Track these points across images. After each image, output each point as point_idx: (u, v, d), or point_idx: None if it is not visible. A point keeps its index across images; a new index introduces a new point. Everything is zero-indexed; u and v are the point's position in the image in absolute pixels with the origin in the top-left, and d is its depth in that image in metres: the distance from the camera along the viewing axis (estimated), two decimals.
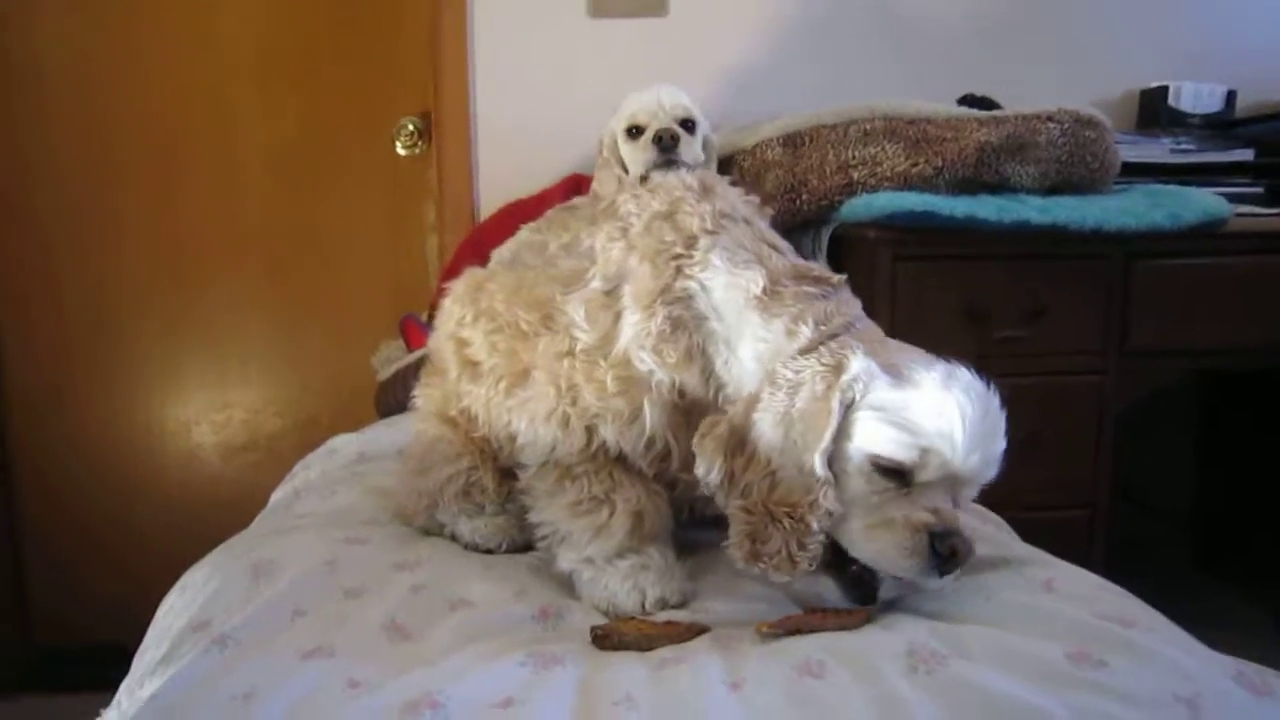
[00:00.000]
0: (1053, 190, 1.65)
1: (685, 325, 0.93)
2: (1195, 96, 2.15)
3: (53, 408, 2.26)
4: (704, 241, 0.95)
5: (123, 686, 0.88)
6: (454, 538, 1.11)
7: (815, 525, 0.81)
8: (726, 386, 0.94)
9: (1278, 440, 2.08)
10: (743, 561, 0.83)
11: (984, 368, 1.60)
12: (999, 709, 0.66)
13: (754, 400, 0.86)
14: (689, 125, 1.64)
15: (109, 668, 2.10)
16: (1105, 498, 1.67)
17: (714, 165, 1.73)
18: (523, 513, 1.04)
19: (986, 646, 0.73)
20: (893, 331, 1.56)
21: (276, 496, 1.37)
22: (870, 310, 1.55)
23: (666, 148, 1.58)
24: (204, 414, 2.29)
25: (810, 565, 0.81)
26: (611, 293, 0.97)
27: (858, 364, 0.82)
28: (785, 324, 0.89)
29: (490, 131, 2.16)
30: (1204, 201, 1.60)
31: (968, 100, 1.91)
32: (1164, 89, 2.15)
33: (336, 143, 2.24)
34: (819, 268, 0.97)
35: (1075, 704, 0.66)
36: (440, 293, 1.89)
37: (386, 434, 1.53)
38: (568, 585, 0.98)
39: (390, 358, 1.94)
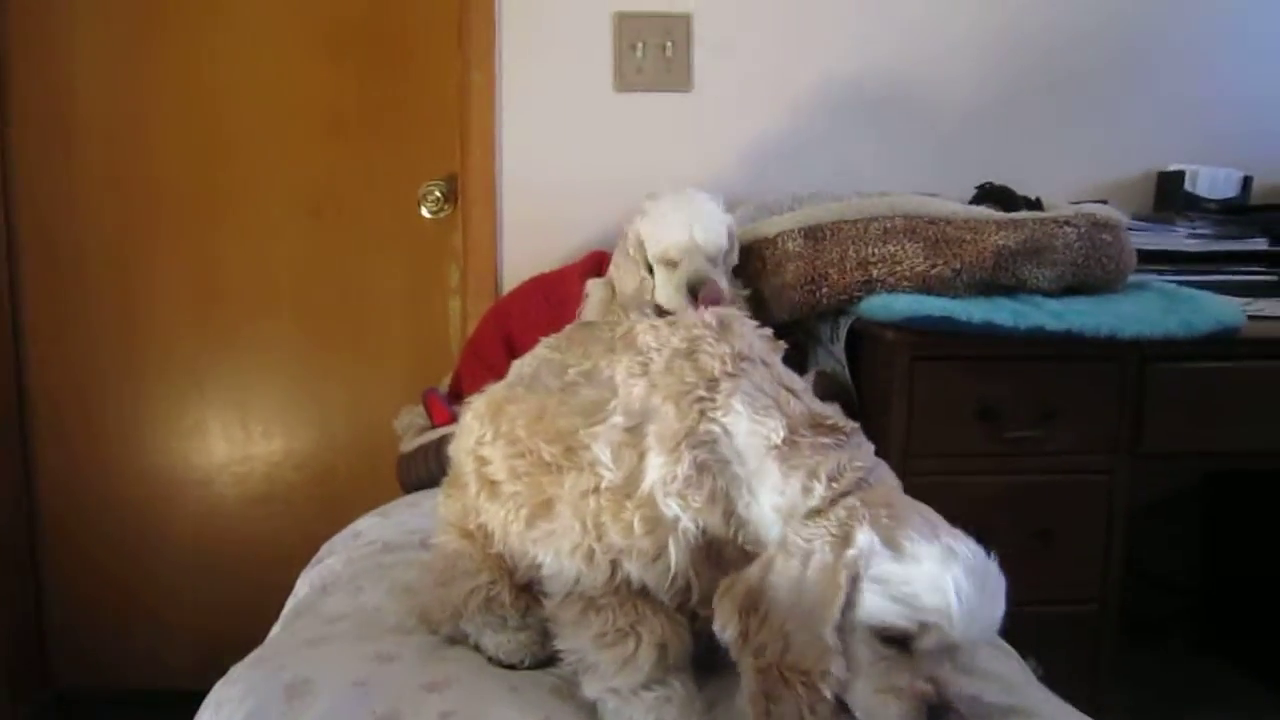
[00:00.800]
0: (1068, 290, 1.68)
1: (709, 469, 0.96)
2: (1211, 181, 2.18)
3: (79, 453, 2.31)
4: (725, 385, 0.98)
5: None
6: (478, 648, 1.14)
7: (827, 693, 0.85)
8: (747, 526, 0.97)
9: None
10: (757, 716, 0.87)
11: (997, 467, 1.65)
12: None
13: (769, 563, 0.90)
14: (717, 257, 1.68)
15: (132, 712, 2.17)
16: (1115, 594, 1.70)
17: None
18: (543, 628, 1.08)
19: None
20: (908, 427, 1.61)
21: (302, 589, 1.41)
22: (887, 405, 1.61)
23: (697, 290, 1.62)
24: (227, 465, 2.34)
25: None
26: (634, 430, 1.00)
27: (863, 538, 0.86)
28: (801, 480, 0.92)
29: (515, 198, 2.20)
30: (1217, 309, 1.62)
31: (986, 189, 1.95)
32: (1181, 174, 2.18)
33: (364, 203, 2.29)
34: (833, 415, 1.00)
35: None
36: (462, 365, 1.95)
37: (409, 517, 1.56)
38: (590, 710, 1.01)
39: (412, 425, 1.97)
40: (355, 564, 1.41)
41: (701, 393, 0.98)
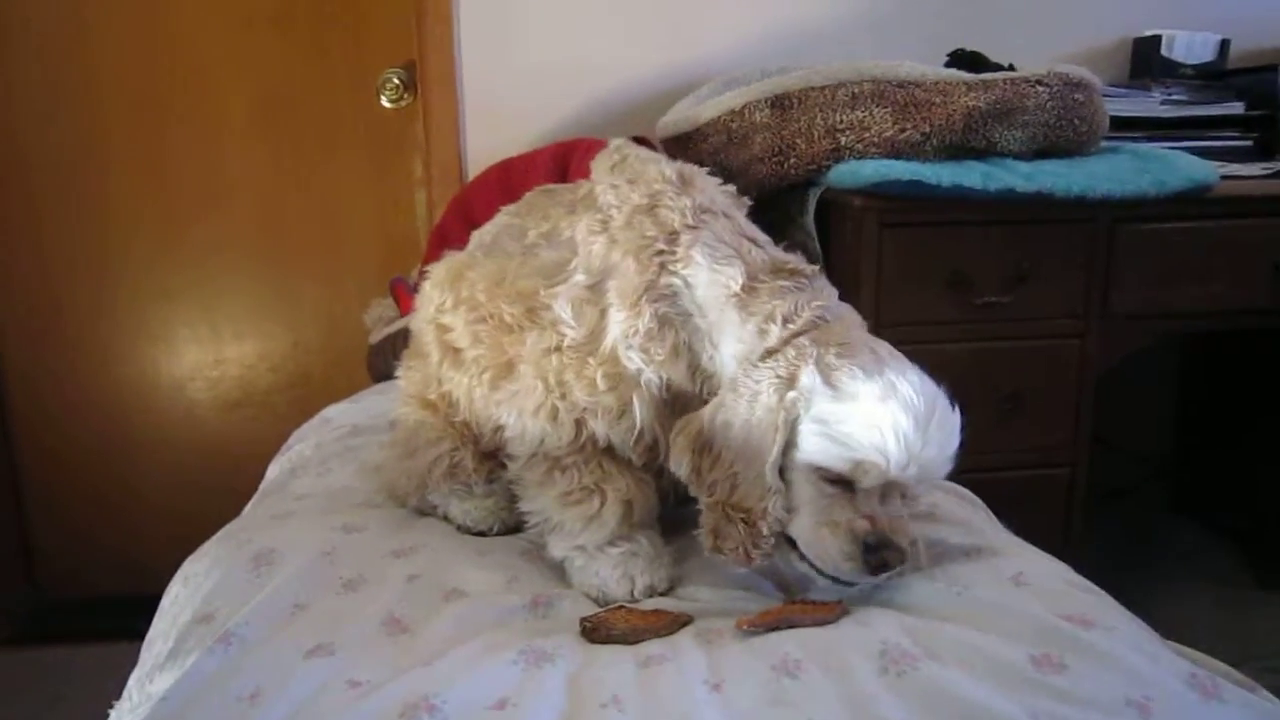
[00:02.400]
0: (1040, 153, 1.65)
1: (671, 322, 0.96)
2: (1188, 46, 2.13)
3: (49, 365, 2.27)
4: (686, 237, 0.96)
5: (132, 679, 0.92)
6: (446, 518, 1.15)
7: (765, 530, 0.87)
8: (711, 378, 0.97)
9: (1253, 394, 2.12)
10: (707, 550, 0.90)
11: (967, 333, 1.65)
12: (965, 712, 0.71)
13: (720, 404, 0.91)
14: None
15: (112, 618, 2.19)
16: (1085, 456, 1.71)
17: None
18: (511, 494, 1.08)
19: (956, 648, 0.77)
20: (877, 296, 1.60)
21: (272, 472, 1.40)
22: (856, 275, 1.60)
23: None
24: (198, 371, 2.31)
25: (763, 560, 0.89)
26: (595, 287, 0.99)
27: (805, 378, 0.86)
28: (758, 324, 0.92)
29: (476, 85, 2.13)
30: (1189, 168, 1.60)
31: (958, 56, 1.90)
32: (1157, 38, 2.13)
33: (321, 95, 2.21)
34: (795, 260, 0.99)
35: (1035, 708, 0.70)
36: (429, 254, 1.91)
37: (378, 403, 1.55)
38: (558, 570, 1.02)
39: (381, 317, 1.95)
40: (324, 448, 1.40)
41: (661, 246, 0.96)
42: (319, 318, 2.32)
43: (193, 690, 0.79)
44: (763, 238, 1.02)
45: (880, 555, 0.85)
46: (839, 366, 0.87)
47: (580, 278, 0.99)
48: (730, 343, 0.94)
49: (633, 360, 0.95)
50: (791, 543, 0.91)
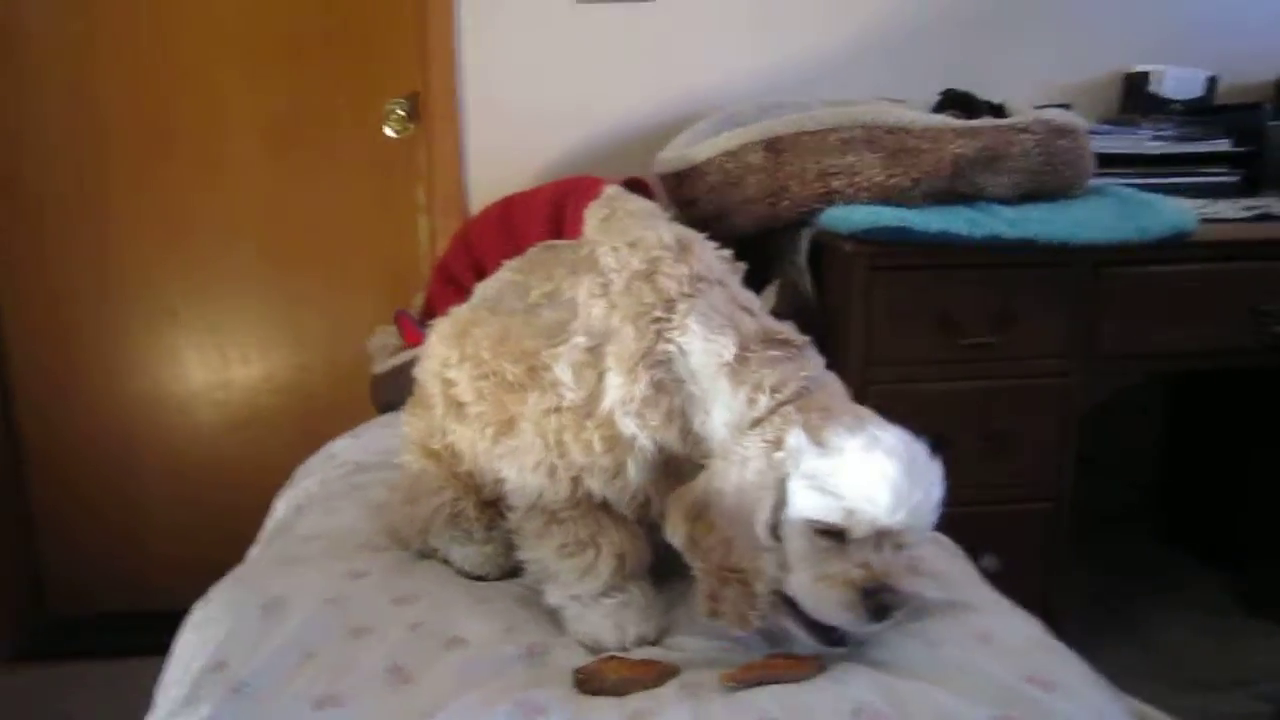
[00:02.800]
0: (1026, 197, 1.70)
1: (666, 388, 1.00)
2: (1177, 82, 2.18)
3: (58, 385, 2.32)
4: (682, 305, 1.00)
5: None
6: (447, 562, 1.20)
7: (760, 589, 0.91)
8: (702, 442, 1.01)
9: (1240, 428, 2.17)
10: (705, 615, 0.94)
11: (954, 373, 1.70)
12: None
13: (713, 472, 0.95)
14: None
15: (119, 635, 2.24)
16: (1069, 491, 1.76)
17: None
18: (508, 540, 1.13)
19: (924, 708, 0.82)
20: (867, 337, 1.65)
21: (279, 510, 1.45)
22: (846, 316, 1.64)
23: None
24: (204, 392, 2.36)
25: (760, 621, 0.92)
26: (594, 350, 1.03)
27: (792, 439, 0.90)
28: (747, 393, 0.96)
29: (479, 114, 2.18)
30: (1171, 214, 1.65)
31: (949, 96, 1.94)
32: (1146, 74, 2.17)
33: (326, 123, 2.26)
34: (786, 329, 1.03)
35: None
36: (432, 288, 1.96)
37: (381, 437, 1.60)
38: (552, 616, 1.07)
39: (385, 346, 2.00)
40: (329, 485, 1.45)
41: (659, 313, 1.00)
42: (323, 341, 2.37)
43: None
44: (756, 304, 1.06)
45: (878, 599, 0.88)
46: (824, 426, 0.91)
47: (580, 340, 1.04)
48: (721, 410, 0.98)
49: (629, 425, 0.99)
50: (788, 603, 0.94)
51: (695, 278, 1.02)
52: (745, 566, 0.91)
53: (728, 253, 1.11)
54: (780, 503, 0.92)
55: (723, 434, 0.98)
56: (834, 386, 1.00)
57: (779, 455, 0.91)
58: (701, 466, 1.00)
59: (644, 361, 0.99)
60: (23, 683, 2.16)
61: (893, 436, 0.92)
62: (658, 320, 1.00)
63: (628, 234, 1.09)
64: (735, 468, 0.93)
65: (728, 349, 0.98)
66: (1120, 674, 0.92)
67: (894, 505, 0.88)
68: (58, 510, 2.38)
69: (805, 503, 0.90)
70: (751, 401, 0.96)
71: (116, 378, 2.33)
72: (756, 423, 0.94)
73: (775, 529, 0.92)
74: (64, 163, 2.22)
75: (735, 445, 0.94)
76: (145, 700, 1.02)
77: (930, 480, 0.92)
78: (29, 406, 2.32)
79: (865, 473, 0.88)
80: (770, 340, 1.00)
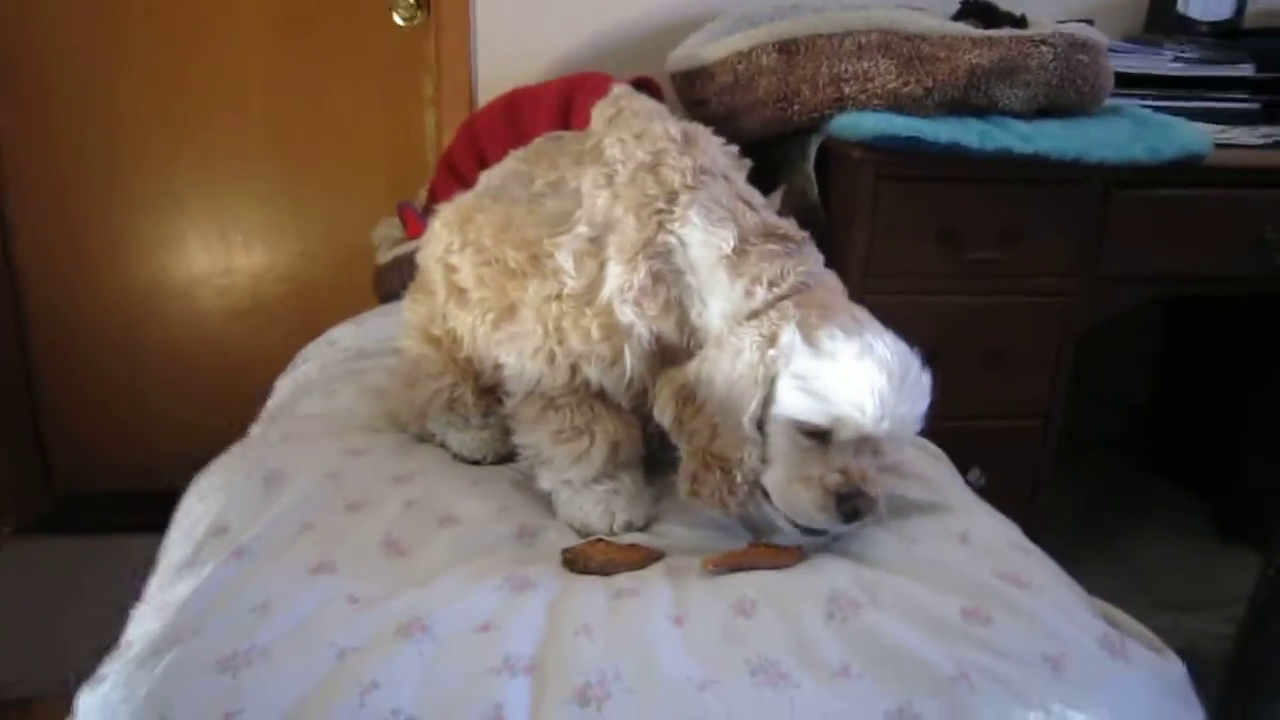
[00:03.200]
0: (1041, 112, 1.67)
1: (664, 279, 1.01)
2: (1205, 2, 2.12)
3: (63, 268, 2.32)
4: (684, 197, 1.01)
5: (152, 583, 1.01)
6: (443, 446, 1.22)
7: (740, 479, 0.94)
8: (698, 333, 1.03)
9: (1234, 358, 2.18)
10: (685, 495, 0.97)
11: (955, 287, 1.70)
12: (895, 656, 0.79)
13: (705, 358, 0.97)
14: None
15: (124, 512, 2.29)
16: (1060, 410, 1.78)
17: None
18: (505, 426, 1.15)
19: (897, 599, 0.86)
20: (870, 246, 1.65)
21: (280, 391, 1.47)
22: (851, 224, 1.64)
23: None
24: (208, 278, 2.37)
25: (738, 508, 0.96)
26: (596, 240, 1.04)
27: (785, 337, 0.92)
28: (745, 285, 0.98)
29: (490, 6, 2.13)
30: (1184, 136, 1.63)
31: (969, 5, 1.90)
32: None
33: (335, 9, 2.21)
34: (786, 225, 1.04)
35: (958, 656, 0.79)
36: (437, 180, 1.95)
37: (382, 325, 1.61)
38: (545, 501, 1.10)
39: (387, 237, 2.00)
40: (329, 369, 1.47)
41: (661, 204, 1.01)
42: (326, 230, 2.36)
43: (209, 599, 0.88)
44: (759, 200, 1.07)
45: (852, 504, 0.91)
46: (819, 326, 0.93)
47: (583, 229, 1.05)
48: (718, 301, 0.99)
49: (626, 314, 1.01)
50: (766, 493, 0.98)
51: (699, 170, 1.03)
52: (728, 455, 0.94)
53: (734, 148, 1.11)
54: (768, 398, 0.94)
55: (719, 325, 0.99)
56: (832, 284, 1.02)
57: (771, 352, 0.92)
58: (694, 355, 1.02)
59: (644, 251, 1.00)
60: (32, 554, 2.23)
61: (885, 344, 0.93)
62: (659, 211, 1.01)
63: (634, 127, 1.08)
64: (728, 357, 0.94)
65: (727, 241, 0.99)
66: (1095, 591, 0.95)
67: (879, 414, 0.91)
68: (63, 391, 2.41)
69: (792, 401, 0.92)
70: (749, 294, 0.97)
71: (121, 262, 2.33)
72: (754, 315, 0.95)
73: (761, 423, 0.95)
74: (72, 45, 2.18)
75: (730, 335, 0.95)
76: (147, 572, 1.05)
77: (918, 392, 0.94)
78: (34, 289, 2.33)
79: (854, 380, 0.90)
80: (770, 234, 1.01)
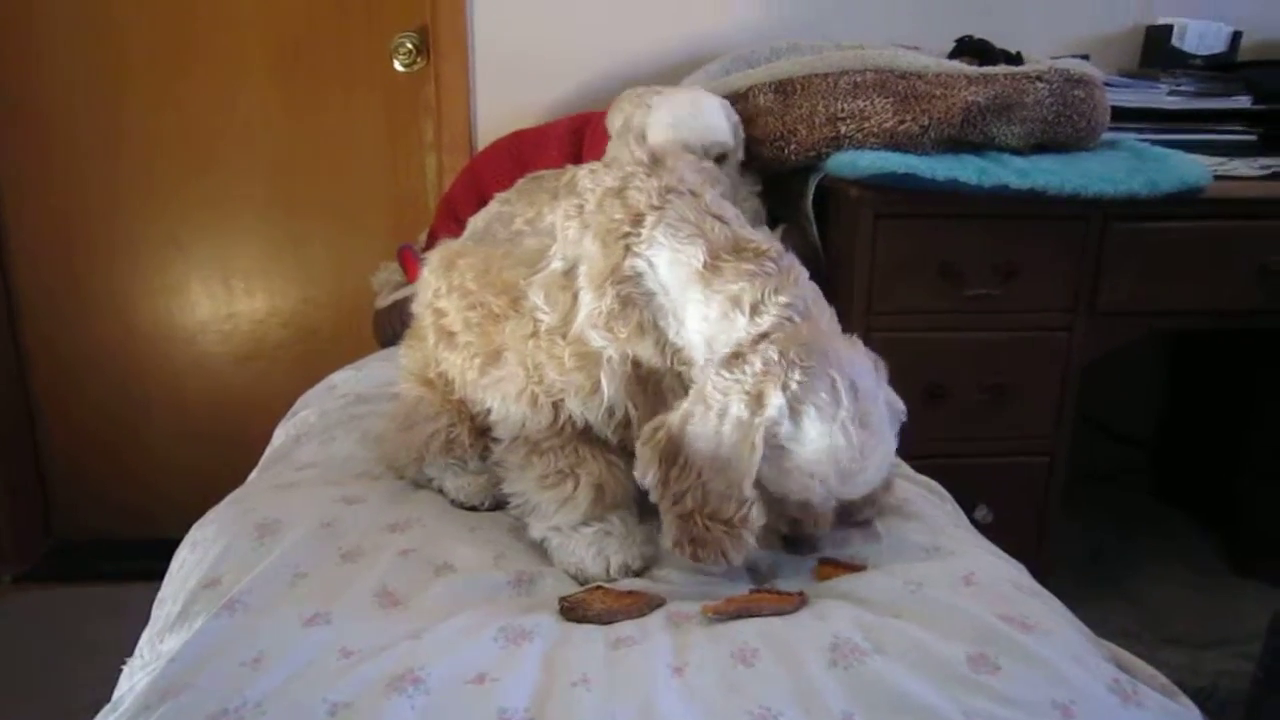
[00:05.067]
0: (1038, 147, 1.68)
1: (635, 302, 1.00)
2: (1200, 37, 2.13)
3: (64, 314, 2.33)
4: (650, 218, 1.00)
5: (144, 638, 0.99)
6: (441, 492, 1.21)
7: (749, 538, 0.93)
8: (680, 351, 1.01)
9: (1239, 388, 2.16)
10: (682, 555, 0.95)
11: (955, 323, 1.69)
12: (900, 705, 0.77)
13: (688, 415, 0.94)
14: (724, 156, 1.62)
15: (123, 560, 2.28)
16: (1066, 446, 1.76)
17: (741, 150, 1.69)
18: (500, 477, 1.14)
19: (902, 645, 0.84)
20: (870, 284, 1.64)
21: (278, 438, 1.46)
22: (850, 263, 1.64)
23: None
24: (210, 324, 2.37)
25: (740, 561, 0.94)
26: (569, 273, 1.04)
27: (774, 404, 0.89)
28: (721, 306, 0.95)
29: (488, 52, 2.15)
30: (1183, 169, 1.63)
31: (964, 43, 1.91)
32: (1169, 27, 2.13)
33: (336, 56, 2.24)
34: (760, 238, 1.01)
35: (967, 706, 0.77)
36: (437, 223, 1.96)
37: (382, 370, 1.61)
38: (541, 548, 1.09)
39: (388, 281, 2.00)
40: (328, 415, 1.46)
41: (627, 228, 1.01)
42: (328, 274, 2.37)
43: (200, 653, 0.86)
44: (730, 213, 1.04)
45: (797, 549, 0.99)
46: (803, 400, 0.90)
47: (557, 265, 1.05)
48: (695, 320, 0.98)
49: (596, 339, 1.00)
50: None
51: (665, 190, 1.02)
52: (728, 517, 0.92)
53: (709, 164, 1.11)
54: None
55: (698, 343, 0.98)
56: (817, 312, 0.98)
57: (768, 417, 0.89)
58: (680, 377, 1.01)
59: (612, 278, 1.00)
60: (29, 603, 2.21)
61: (853, 427, 0.90)
62: (625, 235, 1.00)
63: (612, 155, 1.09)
64: (714, 415, 0.92)
65: (695, 258, 0.97)
66: (1107, 629, 0.93)
67: (838, 487, 0.92)
68: (63, 437, 2.41)
69: (764, 467, 0.92)
70: (727, 318, 0.95)
71: (123, 307, 2.34)
72: (735, 357, 0.93)
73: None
74: (74, 88, 2.21)
75: (712, 389, 0.92)
76: (146, 621, 1.04)
77: (878, 468, 0.94)
78: (36, 334, 2.34)
79: (817, 473, 0.90)
80: (743, 249, 0.98)
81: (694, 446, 0.93)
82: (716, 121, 1.62)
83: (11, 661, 1.99)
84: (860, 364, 0.93)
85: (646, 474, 0.95)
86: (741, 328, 0.94)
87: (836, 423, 0.89)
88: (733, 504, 0.92)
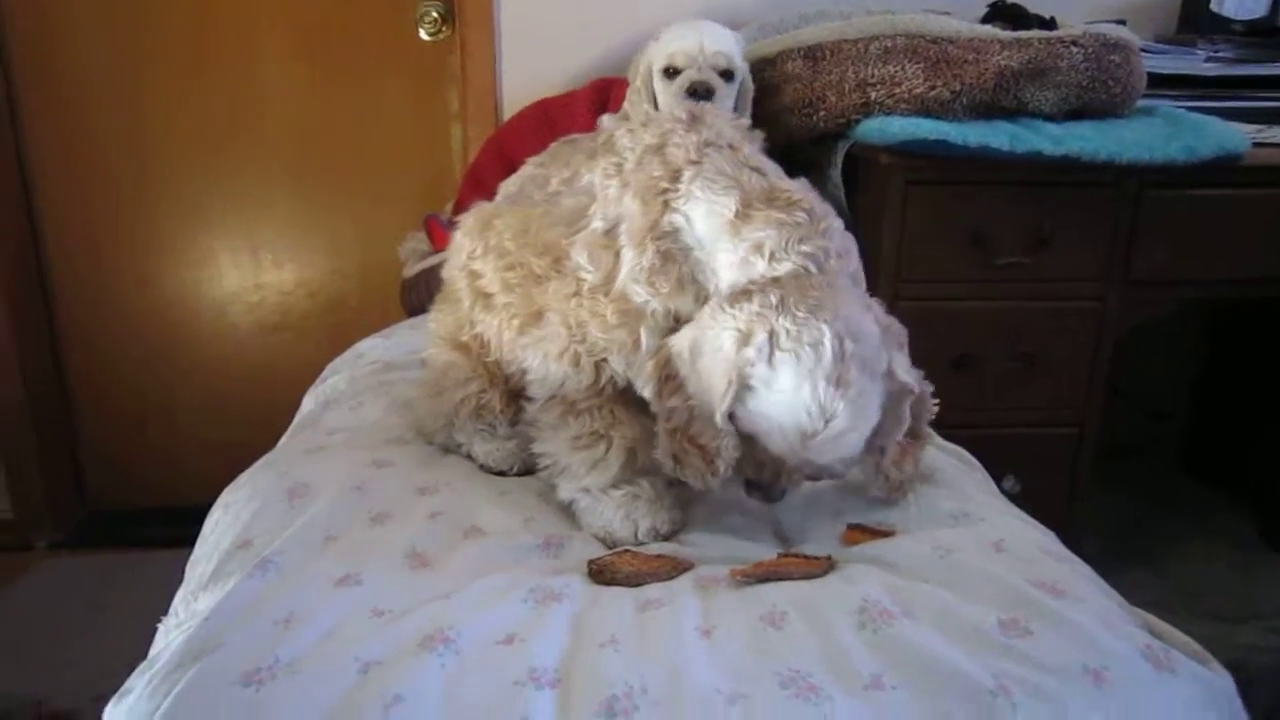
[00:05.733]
0: (1072, 114, 1.65)
1: (674, 258, 1.00)
2: (1239, 1, 2.08)
3: (95, 288, 2.35)
4: (687, 173, 1.00)
5: (178, 597, 1.01)
6: (469, 457, 1.22)
7: (721, 468, 0.94)
8: None
9: (1272, 362, 2.13)
10: (668, 469, 0.98)
11: (986, 292, 1.67)
12: (930, 668, 0.77)
13: (688, 341, 0.95)
14: (728, 75, 1.63)
15: (154, 527, 2.31)
16: (1096, 417, 1.74)
17: (748, 112, 1.69)
18: (530, 436, 1.14)
19: (931, 607, 0.83)
20: (899, 252, 1.63)
21: (307, 404, 1.48)
22: (879, 231, 1.62)
23: (700, 100, 1.57)
24: (238, 295, 2.39)
25: (719, 484, 0.96)
26: (610, 232, 1.04)
27: (757, 343, 0.89)
28: (745, 251, 0.95)
29: (514, 20, 2.14)
30: (1221, 135, 1.59)
31: (997, 8, 1.87)
32: None
33: (361, 25, 2.23)
34: (794, 189, 1.00)
35: (997, 669, 0.76)
36: (463, 193, 1.96)
37: (410, 339, 1.61)
38: (570, 512, 1.09)
39: (415, 251, 2.00)
40: (357, 382, 1.47)
41: (665, 184, 1.01)
42: (355, 246, 2.38)
43: (233, 612, 0.87)
44: (770, 166, 1.04)
45: (765, 493, 0.99)
46: (783, 348, 0.89)
47: (598, 224, 1.05)
48: (726, 270, 0.98)
49: (639, 293, 1.00)
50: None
51: (703, 144, 1.01)
52: (705, 444, 0.94)
53: (745, 121, 1.10)
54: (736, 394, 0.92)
55: (726, 290, 0.97)
56: (840, 262, 0.97)
57: (746, 353, 0.90)
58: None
59: (651, 234, 1.00)
60: (64, 569, 2.25)
61: (835, 366, 0.88)
62: (664, 192, 1.00)
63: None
64: (709, 343, 0.93)
65: (729, 207, 0.97)
66: (1135, 602, 0.92)
67: (796, 444, 0.91)
68: (95, 410, 2.44)
69: (736, 404, 0.92)
70: (747, 263, 0.95)
71: (152, 279, 2.36)
72: (744, 291, 0.93)
73: (730, 415, 0.93)
74: (99, 63, 2.21)
75: (710, 317, 0.94)
76: (177, 587, 1.05)
77: (852, 422, 0.90)
78: (67, 310, 2.37)
79: (783, 409, 0.89)
80: (775, 198, 0.97)
81: (686, 370, 0.95)
82: (720, 33, 1.65)
83: (47, 624, 2.03)
84: (864, 328, 0.92)
85: (647, 384, 0.98)
86: (759, 271, 0.94)
87: (807, 377, 0.88)
88: (710, 431, 0.93)
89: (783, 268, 0.93)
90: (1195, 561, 2.10)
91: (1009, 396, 1.70)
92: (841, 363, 0.88)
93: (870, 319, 0.94)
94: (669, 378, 0.96)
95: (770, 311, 0.90)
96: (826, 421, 0.89)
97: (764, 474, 0.96)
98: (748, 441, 0.94)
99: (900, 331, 0.99)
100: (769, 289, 0.91)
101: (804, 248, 0.94)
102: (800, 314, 0.89)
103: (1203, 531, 2.21)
